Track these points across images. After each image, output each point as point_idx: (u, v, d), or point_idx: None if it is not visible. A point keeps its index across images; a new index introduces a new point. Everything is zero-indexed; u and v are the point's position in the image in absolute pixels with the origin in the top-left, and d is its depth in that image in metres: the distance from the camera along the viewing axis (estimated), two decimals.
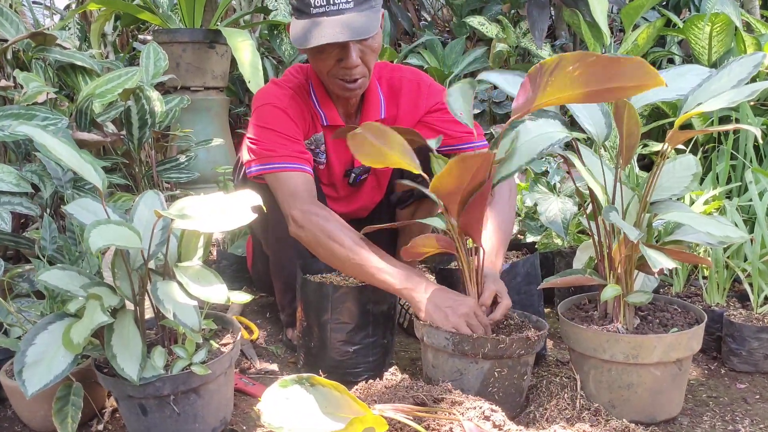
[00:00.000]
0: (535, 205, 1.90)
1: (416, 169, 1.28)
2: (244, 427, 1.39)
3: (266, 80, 3.43)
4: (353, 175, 1.74)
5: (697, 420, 1.38)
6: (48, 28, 2.58)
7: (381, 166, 1.31)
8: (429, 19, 4.43)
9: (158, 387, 1.21)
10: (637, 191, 1.37)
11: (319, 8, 1.43)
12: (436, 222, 1.41)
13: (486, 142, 1.71)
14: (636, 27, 3.09)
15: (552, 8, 3.52)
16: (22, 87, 1.94)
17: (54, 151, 1.15)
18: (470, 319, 1.34)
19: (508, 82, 1.41)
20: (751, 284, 1.67)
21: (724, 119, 2.44)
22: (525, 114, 1.20)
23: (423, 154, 1.77)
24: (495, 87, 3.39)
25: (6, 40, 2.08)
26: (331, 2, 1.43)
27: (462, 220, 1.32)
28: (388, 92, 1.71)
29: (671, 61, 3.38)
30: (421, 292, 1.38)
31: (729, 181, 2.22)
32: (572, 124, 1.86)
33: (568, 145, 1.42)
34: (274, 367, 1.71)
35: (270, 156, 1.53)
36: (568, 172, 1.55)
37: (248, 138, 1.59)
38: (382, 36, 1.56)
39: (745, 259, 1.73)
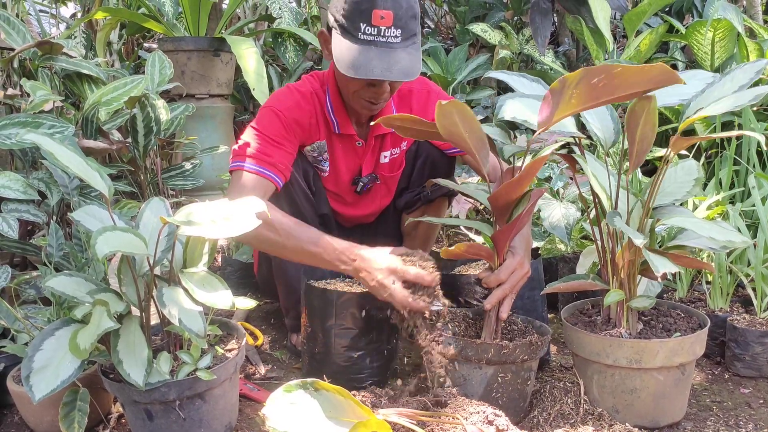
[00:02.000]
0: (539, 210, 1.91)
1: (483, 167, 1.28)
2: None
3: (270, 88, 3.45)
4: (361, 184, 1.75)
5: (700, 425, 1.38)
6: (54, 37, 2.59)
7: (454, 146, 1.31)
8: (432, 26, 4.45)
9: (164, 392, 1.22)
10: (640, 197, 1.38)
11: (368, 35, 1.43)
12: (484, 228, 1.42)
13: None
14: (639, 33, 3.10)
15: (555, 15, 3.53)
16: (28, 95, 1.95)
17: (61, 159, 1.16)
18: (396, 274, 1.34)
19: (514, 81, 1.43)
20: (754, 289, 1.67)
21: (727, 125, 2.45)
22: (548, 127, 1.21)
23: (441, 163, 1.79)
24: (498, 93, 3.41)
25: (13, 49, 2.10)
26: (382, 34, 1.42)
27: (500, 231, 1.32)
28: (399, 101, 1.73)
29: (674, 67, 3.38)
30: (366, 265, 1.38)
31: (732, 186, 2.22)
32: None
33: (572, 150, 1.42)
34: (279, 372, 1.72)
35: (240, 155, 1.54)
36: (571, 178, 1.56)
37: (241, 135, 1.62)
38: None
39: (749, 264, 1.74)
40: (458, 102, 1.16)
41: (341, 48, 1.46)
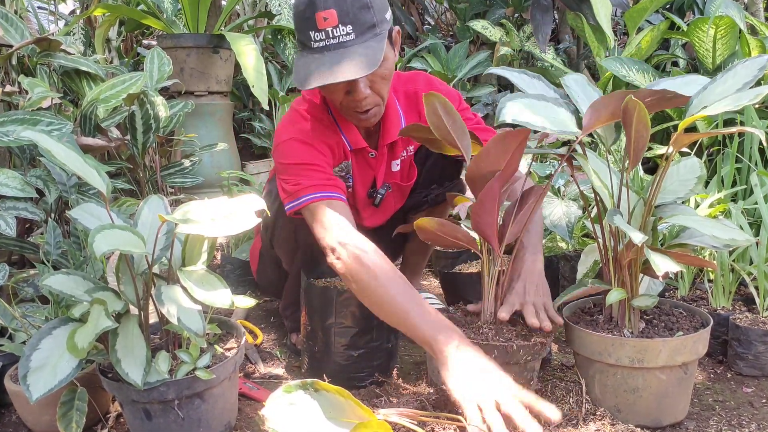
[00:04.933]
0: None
1: (466, 155, 1.31)
2: None
3: (270, 85, 3.44)
4: (378, 196, 1.70)
5: (703, 424, 1.37)
6: (53, 34, 2.58)
7: (438, 137, 1.32)
8: (432, 23, 4.43)
9: (162, 392, 1.21)
10: (642, 195, 1.37)
11: (318, 42, 1.35)
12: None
13: None
14: (640, 30, 3.09)
15: (555, 12, 3.52)
16: (26, 92, 1.94)
17: (58, 156, 1.15)
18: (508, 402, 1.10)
19: (514, 77, 1.41)
20: (756, 287, 1.66)
21: (729, 122, 2.44)
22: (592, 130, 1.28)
23: (448, 164, 1.76)
24: (499, 91, 3.40)
25: (11, 46, 2.08)
26: (331, 35, 1.34)
27: (474, 211, 1.30)
28: (406, 103, 1.67)
29: (675, 64, 3.38)
30: (452, 349, 1.20)
31: (734, 184, 2.21)
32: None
33: (573, 148, 1.41)
34: (279, 371, 1.71)
35: (298, 191, 1.47)
36: (572, 176, 1.55)
37: (279, 177, 1.54)
38: (395, 56, 1.48)
39: (751, 262, 1.73)
40: (439, 95, 1.24)
41: (297, 64, 1.40)
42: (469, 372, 1.15)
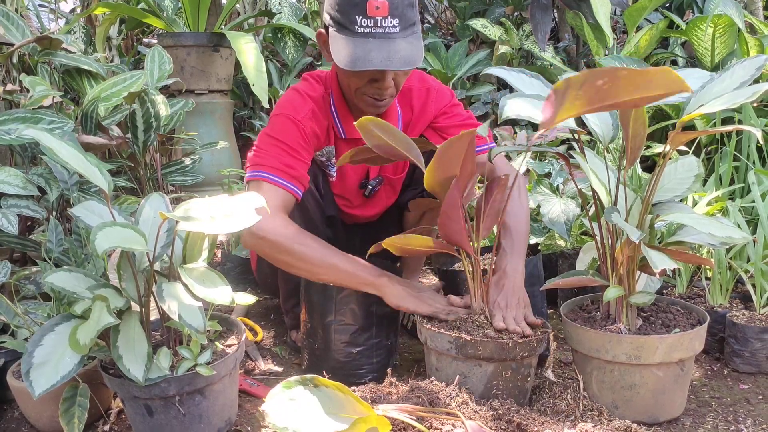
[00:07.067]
0: (538, 206, 1.91)
1: (421, 163, 1.33)
2: (249, 428, 1.40)
3: (270, 83, 3.45)
4: (369, 187, 1.73)
5: (699, 420, 1.38)
6: (53, 32, 2.59)
7: (391, 158, 1.37)
8: (432, 22, 4.43)
9: (164, 388, 1.22)
10: (640, 192, 1.38)
11: (364, 28, 1.39)
12: None
13: (494, 144, 1.71)
14: (639, 29, 3.10)
15: (555, 10, 3.52)
16: (28, 91, 1.95)
17: (60, 155, 1.16)
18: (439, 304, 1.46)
19: (512, 77, 1.43)
20: (753, 285, 1.67)
21: (727, 120, 2.44)
22: (550, 126, 1.22)
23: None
24: (498, 89, 3.40)
25: (12, 44, 2.09)
26: (379, 24, 1.38)
27: (441, 223, 1.32)
28: (401, 99, 1.70)
29: (674, 63, 3.38)
30: (395, 284, 1.47)
31: (732, 182, 2.22)
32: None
33: (571, 146, 1.42)
34: (279, 368, 1.72)
35: (261, 165, 1.51)
36: (570, 174, 1.56)
37: (256, 144, 1.58)
38: None
39: (748, 260, 1.73)
40: (370, 117, 1.28)
41: (338, 44, 1.42)
42: (411, 292, 1.47)
